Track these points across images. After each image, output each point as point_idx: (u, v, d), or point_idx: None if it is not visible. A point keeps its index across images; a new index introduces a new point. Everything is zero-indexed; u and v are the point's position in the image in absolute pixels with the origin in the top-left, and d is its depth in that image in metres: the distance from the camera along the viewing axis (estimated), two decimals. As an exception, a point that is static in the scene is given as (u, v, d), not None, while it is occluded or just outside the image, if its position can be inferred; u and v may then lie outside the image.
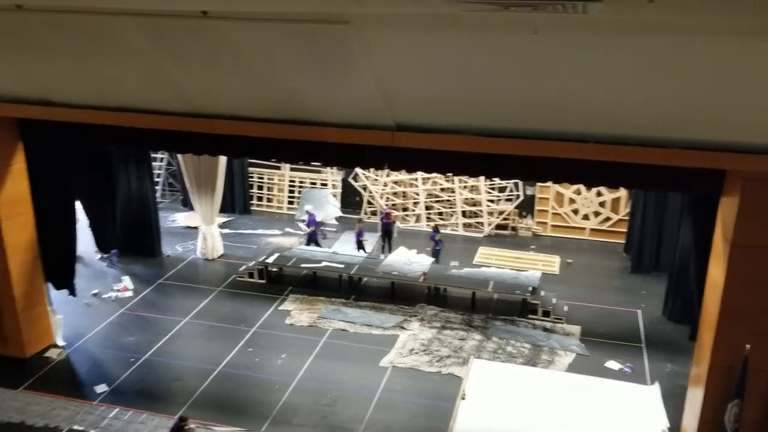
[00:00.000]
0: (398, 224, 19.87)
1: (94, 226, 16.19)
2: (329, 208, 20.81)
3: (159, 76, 8.26)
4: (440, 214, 20.70)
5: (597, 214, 19.66)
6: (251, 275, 16.56)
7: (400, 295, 15.84)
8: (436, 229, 18.17)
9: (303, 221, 19.78)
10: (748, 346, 8.91)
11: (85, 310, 14.92)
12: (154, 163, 20.15)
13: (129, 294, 15.73)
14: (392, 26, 6.36)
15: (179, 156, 17.97)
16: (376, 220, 19.70)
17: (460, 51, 6.60)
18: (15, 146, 12.13)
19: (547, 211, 20.13)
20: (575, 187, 19.43)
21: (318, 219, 19.58)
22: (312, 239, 18.39)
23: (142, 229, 17.65)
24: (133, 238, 17.53)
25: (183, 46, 7.26)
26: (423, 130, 8.73)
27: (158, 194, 20.86)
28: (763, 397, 9.20)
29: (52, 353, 13.13)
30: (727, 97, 6.75)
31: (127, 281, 16.11)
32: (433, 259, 17.09)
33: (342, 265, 16.51)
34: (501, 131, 8.44)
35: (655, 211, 16.77)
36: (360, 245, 18.07)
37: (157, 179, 21.34)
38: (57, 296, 13.81)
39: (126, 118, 9.56)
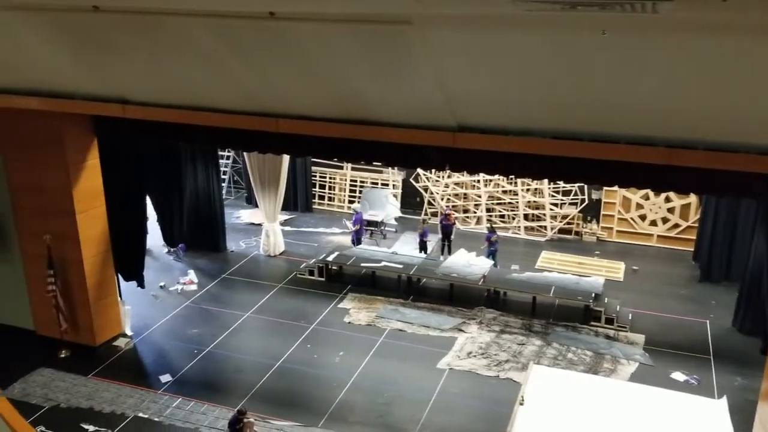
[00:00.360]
0: (458, 226, 19.75)
1: (163, 221, 16.74)
2: (389, 208, 20.86)
3: (228, 76, 8.47)
4: (502, 216, 20.46)
5: (665, 220, 19.03)
6: (311, 273, 16.79)
7: (458, 297, 15.75)
8: (491, 229, 17.99)
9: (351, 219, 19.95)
10: (825, 362, 8.47)
11: (152, 302, 15.46)
12: (220, 161, 20.67)
13: (194, 287, 16.19)
14: (455, 26, 6.33)
15: (245, 154, 18.37)
16: (436, 221, 19.63)
17: (524, 51, 6.50)
18: (90, 143, 12.69)
19: (613, 216, 19.62)
20: (643, 192, 18.88)
21: (378, 219, 19.69)
22: (357, 238, 18.45)
23: (208, 225, 18.14)
24: (199, 234, 18.04)
25: (251, 46, 7.42)
26: (485, 132, 8.63)
27: (224, 191, 21.38)
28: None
29: (121, 342, 13.66)
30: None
31: (192, 275, 16.60)
32: (491, 262, 16.90)
33: (401, 266, 16.55)
34: (566, 133, 8.25)
35: (726, 218, 16.13)
36: (423, 246, 18.05)
37: (223, 177, 21.87)
38: (126, 288, 14.37)
39: (196, 116, 9.83)
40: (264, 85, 8.57)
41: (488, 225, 18.99)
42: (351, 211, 20.24)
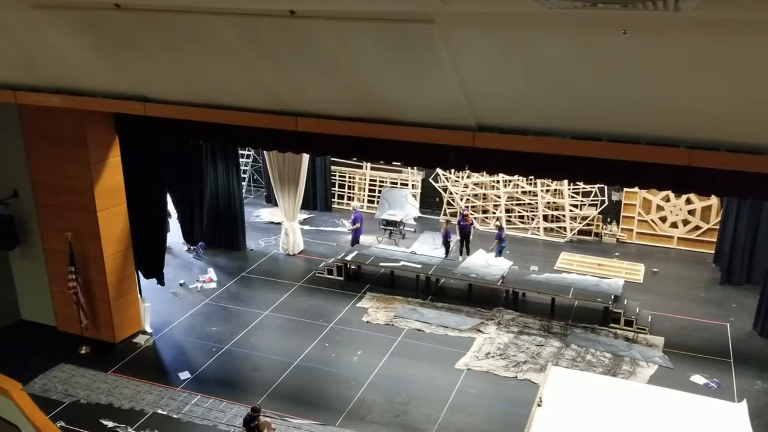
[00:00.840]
0: (476, 226, 19.70)
1: (183, 219, 16.89)
2: (408, 208, 20.85)
3: (248, 74, 8.53)
4: (521, 217, 20.38)
5: (686, 222, 18.83)
6: (330, 272, 16.83)
7: (477, 297, 15.72)
8: (500, 227, 18.10)
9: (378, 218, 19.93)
10: None
11: (172, 299, 15.59)
12: (240, 160, 20.80)
13: (213, 285, 16.31)
14: (476, 25, 6.32)
15: (265, 153, 18.47)
16: (455, 221, 19.60)
17: (545, 51, 6.48)
18: (112, 140, 12.83)
19: (633, 217, 19.46)
20: (664, 193, 18.70)
21: (397, 219, 19.69)
22: (356, 237, 18.39)
23: (228, 223, 18.27)
24: (219, 232, 18.19)
25: (271, 44, 7.47)
26: (505, 131, 8.62)
27: (244, 190, 21.50)
28: None
29: (140, 339, 13.79)
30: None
31: (211, 273, 16.72)
32: (510, 263, 16.85)
33: (420, 266, 16.54)
34: (585, 133, 8.21)
35: (748, 220, 15.96)
36: (447, 246, 18.04)
37: (243, 175, 22.00)
38: (146, 285, 14.51)
39: (216, 114, 9.91)
40: (284, 83, 8.62)
41: (497, 224, 19.04)
42: (377, 212, 20.30)
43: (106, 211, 12.88)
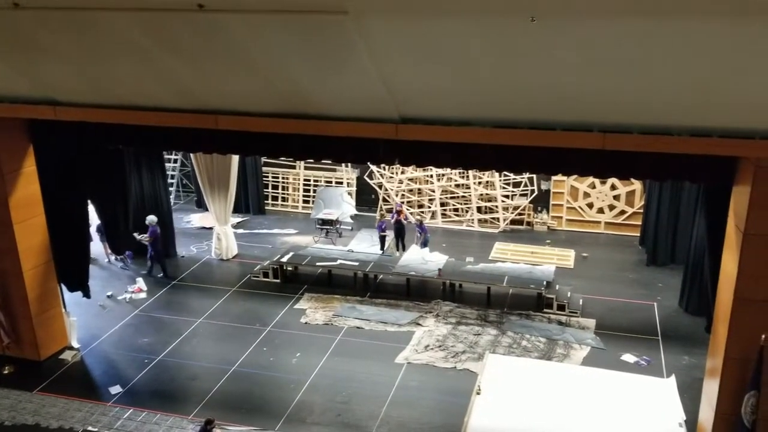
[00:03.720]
0: (411, 221, 19.82)
1: (107, 228, 16.28)
2: (345, 207, 20.78)
3: (161, 73, 8.27)
4: (456, 210, 20.61)
5: (612, 207, 19.45)
6: (266, 275, 16.60)
7: (415, 291, 15.80)
8: (420, 222, 18.40)
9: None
10: (763, 336, 8.70)
11: (100, 312, 15.05)
12: (167, 164, 20.29)
13: (143, 295, 15.84)
14: (390, 15, 6.30)
15: (192, 156, 18.08)
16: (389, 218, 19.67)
17: (458, 40, 6.51)
18: (26, 149, 12.23)
19: (562, 205, 19.97)
20: (589, 180, 19.28)
21: (333, 217, 19.60)
22: (154, 256, 16.72)
23: (157, 231, 17.73)
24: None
25: (182, 40, 7.25)
26: (428, 122, 8.66)
27: (172, 195, 20.99)
28: (781, 387, 8.99)
29: (67, 355, 13.24)
30: (739, 81, 6.58)
31: (141, 283, 16.23)
32: (445, 256, 17.02)
33: (357, 263, 16.51)
34: (506, 122, 8.33)
35: (669, 203, 16.59)
36: (382, 240, 18.09)
37: (171, 180, 21.48)
38: (71, 298, 13.95)
39: (131, 116, 9.57)
40: (199, 80, 8.39)
41: (418, 218, 19.30)
42: (313, 212, 20.12)
43: (22, 224, 12.29)
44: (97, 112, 9.67)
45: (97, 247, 16.92)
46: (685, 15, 5.60)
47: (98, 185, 14.48)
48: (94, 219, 15.27)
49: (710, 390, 9.87)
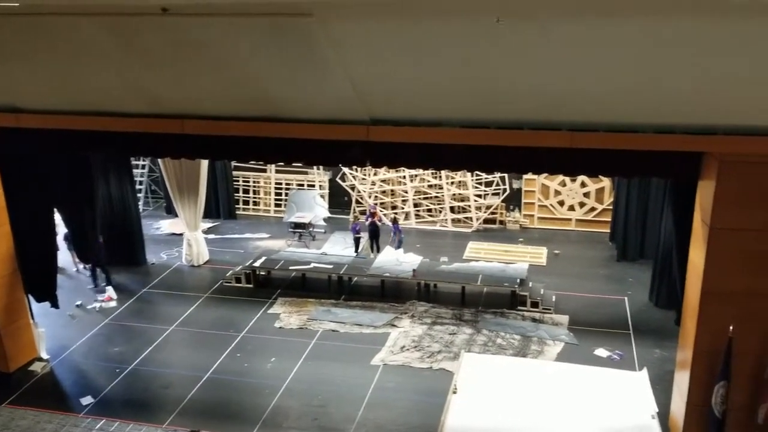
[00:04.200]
0: (385, 222, 19.85)
1: (75, 237, 15.98)
2: (317, 209, 20.73)
3: (126, 78, 8.14)
4: (429, 210, 20.66)
5: (582, 204, 19.68)
6: (238, 280, 16.45)
7: (390, 293, 15.80)
8: (395, 221, 18.57)
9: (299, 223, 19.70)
10: (731, 327, 8.88)
11: (69, 322, 14.78)
12: (135, 171, 20.01)
13: (113, 304, 15.59)
14: (356, 16, 6.29)
15: (160, 162, 17.86)
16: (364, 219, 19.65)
17: (426, 41, 6.53)
18: (-12, 158, 11.98)
19: (533, 203, 20.16)
20: (560, 178, 19.49)
21: (306, 220, 19.53)
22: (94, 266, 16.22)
23: (126, 238, 17.52)
24: (116, 247, 17.35)
25: (146, 45, 7.15)
26: (398, 124, 8.67)
27: (141, 202, 20.72)
28: (748, 378, 9.18)
29: (36, 367, 12.96)
30: (699, 79, 6.70)
31: (110, 291, 15.97)
32: (420, 257, 17.06)
33: (331, 266, 16.45)
34: (476, 122, 8.39)
35: (638, 199, 16.87)
36: (357, 242, 18.08)
37: (139, 186, 21.20)
38: (39, 309, 13.65)
39: (96, 122, 9.43)
40: (165, 85, 8.29)
41: (393, 217, 19.38)
42: (286, 216, 19.95)
43: (-14, 234, 12.03)
44: (61, 118, 9.49)
45: (64, 256, 16.60)
46: (646, 15, 5.69)
47: (64, 193, 14.21)
48: (61, 227, 15.02)
49: (681, 382, 10.03)
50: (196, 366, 12.96)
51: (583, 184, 19.46)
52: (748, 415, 9.30)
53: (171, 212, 21.03)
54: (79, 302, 15.59)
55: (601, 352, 13.11)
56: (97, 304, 15.52)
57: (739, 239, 8.64)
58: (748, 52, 6.06)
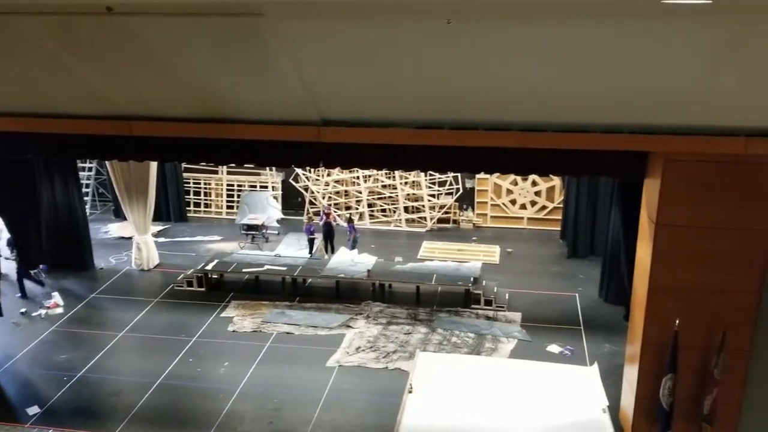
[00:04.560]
0: (339, 223, 19.82)
1: (18, 242, 15.48)
2: (270, 211, 20.54)
3: (71, 78, 7.88)
4: (383, 211, 20.70)
5: (533, 203, 20.02)
6: (190, 284, 16.18)
7: (345, 294, 15.78)
8: (350, 220, 18.70)
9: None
10: (677, 321, 9.15)
11: (13, 331, 14.31)
12: (81, 173, 19.48)
13: (60, 310, 15.15)
14: (307, 17, 6.24)
15: (108, 164, 17.43)
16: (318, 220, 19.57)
17: (377, 42, 6.52)
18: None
19: (486, 202, 20.40)
20: (512, 178, 19.77)
21: (258, 222, 19.34)
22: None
23: (72, 242, 17.07)
24: (63, 252, 16.91)
25: (92, 45, 6.94)
26: (350, 124, 8.65)
27: (88, 205, 20.18)
28: (694, 370, 9.45)
29: (-21, 377, 12.54)
30: (644, 80, 6.87)
31: (57, 297, 15.50)
32: (374, 258, 17.09)
33: (285, 268, 16.34)
34: (428, 122, 8.43)
35: (587, 198, 17.28)
36: (311, 243, 17.96)
37: (86, 190, 20.65)
38: (-19, 318, 13.22)
39: (40, 124, 9.12)
40: (112, 86, 8.07)
41: (347, 216, 19.49)
42: (238, 218, 19.68)
43: None
44: (3, 120, 9.15)
45: (7, 262, 16.04)
46: (593, 17, 5.80)
47: (7, 197, 13.78)
48: (4, 233, 14.53)
49: (630, 375, 10.28)
50: (147, 372, 12.71)
51: (534, 183, 19.79)
52: (694, 407, 9.57)
53: (119, 215, 20.52)
54: (23, 309, 15.10)
55: (554, 348, 13.37)
56: (43, 311, 15.07)
57: (683, 235, 8.91)
58: (687, 54, 6.25)
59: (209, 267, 16.43)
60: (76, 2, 6.09)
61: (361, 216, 20.64)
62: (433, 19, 5.95)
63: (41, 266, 16.47)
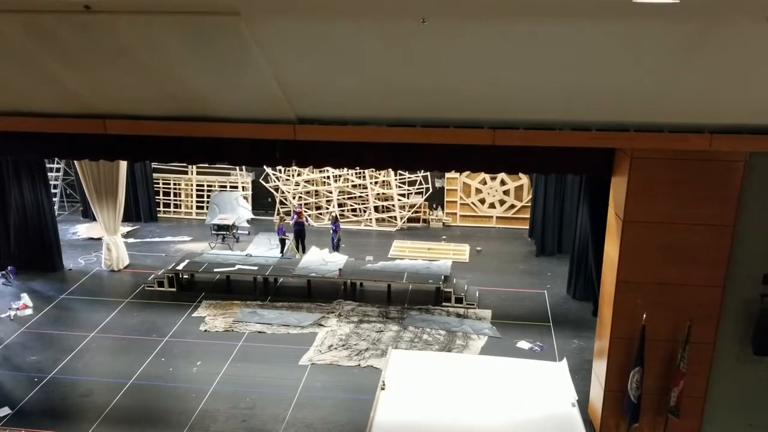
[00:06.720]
0: (311, 223, 19.86)
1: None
2: (240, 211, 20.46)
3: (45, 76, 7.81)
4: (354, 210, 20.79)
5: (502, 202, 20.30)
6: (161, 284, 16.07)
7: (317, 293, 15.83)
8: (336, 219, 18.76)
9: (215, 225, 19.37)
10: (644, 315, 9.41)
11: (-19, 332, 14.07)
12: (49, 174, 19.17)
13: (29, 312, 14.92)
14: (284, 16, 6.31)
15: (76, 164, 17.20)
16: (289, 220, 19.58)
17: (351, 40, 6.62)
18: None
19: (455, 202, 20.61)
20: (481, 177, 20.01)
21: (229, 222, 19.26)
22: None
23: (40, 243, 16.81)
24: (31, 253, 16.66)
25: (68, 43, 6.91)
26: (325, 123, 8.73)
27: (56, 206, 19.87)
28: (661, 363, 9.73)
29: (-53, 380, 12.31)
30: (611, 79, 7.09)
31: (26, 299, 15.26)
32: (345, 256, 17.18)
33: (256, 267, 16.32)
34: (401, 120, 8.55)
35: (555, 196, 17.60)
36: (282, 243, 17.97)
37: (54, 190, 20.33)
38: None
39: (12, 123, 9.01)
40: (87, 84, 8.02)
41: (333, 215, 19.60)
42: (208, 218, 19.54)
43: None
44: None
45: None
46: (561, 16, 5.99)
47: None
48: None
49: (599, 369, 10.54)
50: (119, 373, 12.62)
51: (503, 183, 20.07)
52: (661, 399, 9.84)
53: (88, 216, 20.29)
54: (-10, 311, 14.86)
55: (523, 344, 13.61)
56: (12, 312, 14.82)
57: (650, 231, 9.18)
58: (653, 53, 6.47)
59: (180, 267, 16.34)
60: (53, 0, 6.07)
61: (330, 216, 20.69)
62: (408, 18, 6.07)
63: (9, 268, 16.21)
